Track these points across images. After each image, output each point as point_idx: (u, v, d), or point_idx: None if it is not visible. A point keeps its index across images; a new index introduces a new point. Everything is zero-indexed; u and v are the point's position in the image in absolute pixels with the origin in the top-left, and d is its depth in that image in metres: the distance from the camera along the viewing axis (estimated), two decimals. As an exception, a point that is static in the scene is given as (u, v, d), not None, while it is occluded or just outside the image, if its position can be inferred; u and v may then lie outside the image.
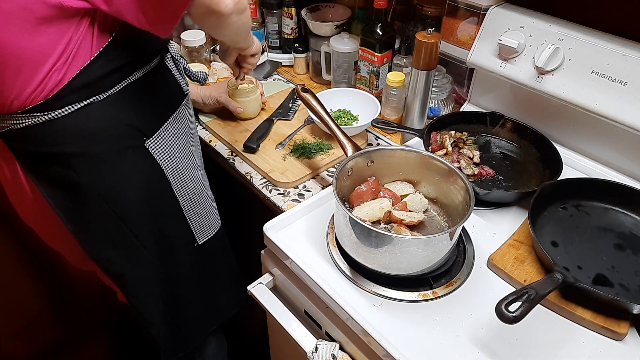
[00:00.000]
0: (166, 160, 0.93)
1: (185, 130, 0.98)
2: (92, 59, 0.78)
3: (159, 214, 0.96)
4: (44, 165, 0.86)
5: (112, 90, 0.83)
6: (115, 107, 0.84)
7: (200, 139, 1.25)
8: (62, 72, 0.77)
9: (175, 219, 1.00)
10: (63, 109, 0.79)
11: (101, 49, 0.79)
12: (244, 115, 1.28)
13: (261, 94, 1.31)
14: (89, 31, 0.77)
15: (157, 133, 0.91)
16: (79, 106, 0.80)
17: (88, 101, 0.81)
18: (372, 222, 0.87)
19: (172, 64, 0.96)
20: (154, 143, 0.91)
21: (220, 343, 1.29)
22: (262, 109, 1.34)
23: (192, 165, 1.01)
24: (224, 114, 1.30)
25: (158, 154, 0.92)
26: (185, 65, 1.02)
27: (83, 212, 0.90)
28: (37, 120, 0.79)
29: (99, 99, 0.82)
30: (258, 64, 1.53)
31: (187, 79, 1.05)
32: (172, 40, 1.07)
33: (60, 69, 0.76)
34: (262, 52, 1.56)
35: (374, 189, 0.91)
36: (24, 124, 0.80)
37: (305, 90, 1.05)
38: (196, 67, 1.41)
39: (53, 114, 0.79)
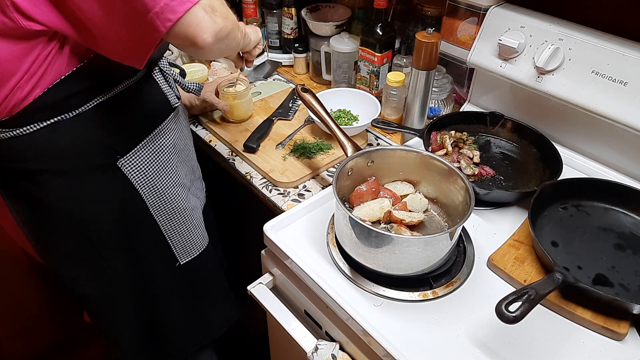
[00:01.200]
0: (142, 180, 0.91)
1: (169, 147, 0.94)
2: (61, 78, 0.76)
3: (132, 234, 0.93)
4: (11, 181, 0.85)
5: (81, 109, 0.80)
6: (85, 126, 0.82)
7: (200, 139, 1.25)
8: (25, 89, 0.75)
9: (152, 239, 0.97)
10: (29, 126, 0.78)
11: (73, 70, 0.77)
12: (234, 116, 1.27)
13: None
14: (60, 53, 0.75)
15: (133, 151, 0.88)
16: (45, 124, 0.79)
17: (55, 119, 0.79)
18: (372, 222, 0.87)
19: (160, 76, 0.92)
20: (128, 162, 0.88)
21: (210, 358, 1.26)
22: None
23: (175, 183, 0.97)
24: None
25: (132, 173, 0.89)
26: (176, 77, 0.98)
27: (47, 230, 0.88)
28: (3, 135, 0.78)
29: (67, 117, 0.80)
30: (258, 63, 1.53)
31: (180, 90, 1.02)
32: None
33: (24, 86, 0.75)
34: (262, 52, 1.56)
35: (374, 189, 0.91)
36: None
37: (305, 90, 1.05)
38: (196, 67, 1.41)
39: (18, 131, 0.78)
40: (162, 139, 0.93)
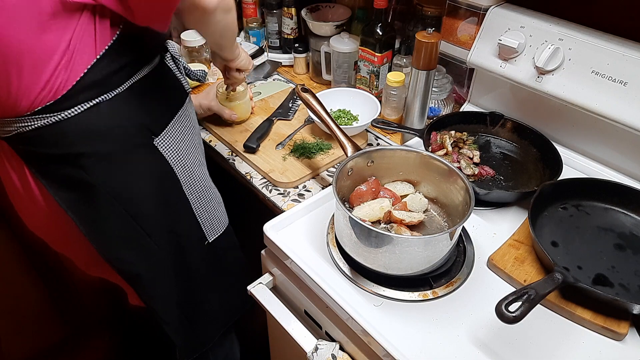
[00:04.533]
0: (175, 158, 0.93)
1: (191, 128, 0.98)
2: (98, 57, 0.78)
3: (170, 212, 0.96)
4: (55, 167, 0.85)
5: (119, 89, 0.82)
6: (124, 106, 0.84)
7: (201, 139, 1.26)
8: (67, 70, 0.76)
9: (186, 217, 1.00)
10: (72, 109, 0.79)
11: (107, 47, 0.78)
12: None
13: (250, 99, 1.29)
14: (90, 28, 0.76)
15: (165, 131, 0.91)
16: (88, 106, 0.80)
17: (97, 100, 0.80)
18: (372, 222, 0.87)
19: (172, 63, 0.95)
20: (162, 141, 0.90)
21: (232, 343, 1.29)
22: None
23: (199, 162, 1.01)
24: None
25: (167, 151, 0.91)
26: (184, 64, 1.02)
27: (96, 213, 0.89)
28: (47, 121, 0.79)
29: (107, 97, 0.81)
30: (258, 64, 1.53)
31: (187, 78, 1.04)
32: (171, 39, 1.06)
33: (66, 67, 0.76)
34: (262, 53, 1.57)
35: (374, 189, 0.91)
36: (33, 126, 0.79)
37: (305, 90, 1.05)
38: (196, 67, 1.41)
39: (62, 115, 0.79)
40: (185, 120, 0.96)
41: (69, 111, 0.79)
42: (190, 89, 1.00)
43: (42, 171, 0.86)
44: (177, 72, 0.96)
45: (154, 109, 0.89)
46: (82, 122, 0.80)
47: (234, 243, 1.16)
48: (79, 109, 0.79)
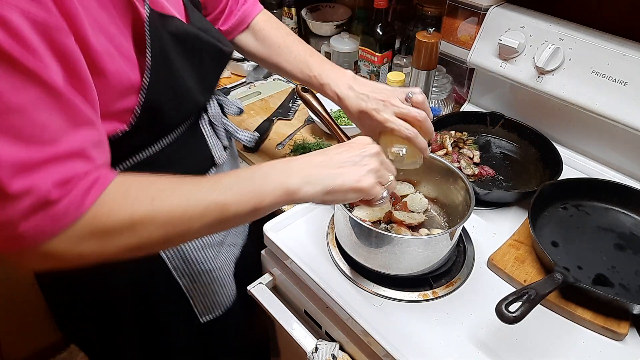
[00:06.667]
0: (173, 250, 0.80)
1: None
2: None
3: (149, 294, 0.82)
4: None
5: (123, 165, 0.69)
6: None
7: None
8: None
9: (172, 299, 0.85)
10: None
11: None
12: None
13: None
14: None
15: None
16: None
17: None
18: (372, 222, 0.87)
19: (210, 129, 0.81)
20: None
21: None
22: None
23: (203, 244, 0.85)
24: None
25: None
26: (229, 127, 0.85)
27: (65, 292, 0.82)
28: None
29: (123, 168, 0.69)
30: (257, 64, 1.53)
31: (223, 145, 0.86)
32: (221, 96, 0.89)
33: None
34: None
35: (374, 189, 0.91)
36: None
37: (305, 90, 1.05)
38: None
39: None
40: None
41: None
42: (224, 159, 0.84)
43: None
44: (211, 139, 0.81)
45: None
46: None
47: (238, 324, 0.99)
48: None
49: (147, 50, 0.62)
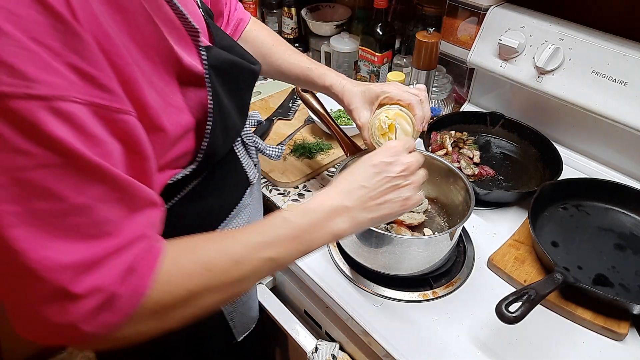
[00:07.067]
0: None
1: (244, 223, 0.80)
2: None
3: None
4: None
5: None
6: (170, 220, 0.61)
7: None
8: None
9: (214, 322, 0.84)
10: None
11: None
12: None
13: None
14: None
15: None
16: None
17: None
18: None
19: (242, 149, 0.78)
20: None
21: None
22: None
23: None
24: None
25: None
26: (258, 145, 0.82)
27: None
28: None
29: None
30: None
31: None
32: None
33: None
34: None
35: (374, 189, 0.91)
36: None
37: (305, 90, 1.05)
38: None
39: None
40: (237, 219, 0.78)
41: None
42: (255, 177, 0.82)
43: None
44: (244, 160, 0.78)
45: (199, 222, 0.71)
46: None
47: (263, 336, 0.99)
48: None
49: (207, 95, 0.60)
